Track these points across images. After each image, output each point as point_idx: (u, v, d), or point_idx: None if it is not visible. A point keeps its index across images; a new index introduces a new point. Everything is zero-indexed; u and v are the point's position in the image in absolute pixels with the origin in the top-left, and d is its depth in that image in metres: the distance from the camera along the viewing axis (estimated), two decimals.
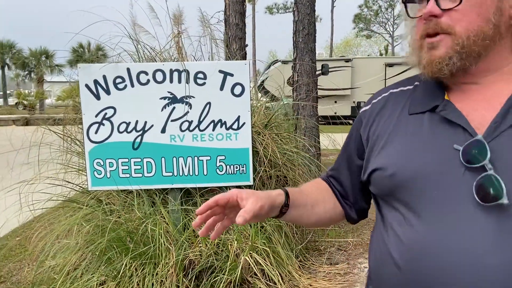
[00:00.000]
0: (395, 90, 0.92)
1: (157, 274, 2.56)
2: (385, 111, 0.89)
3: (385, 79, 15.62)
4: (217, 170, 2.85)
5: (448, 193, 0.73)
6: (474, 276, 0.68)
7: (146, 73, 2.74)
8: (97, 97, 2.78)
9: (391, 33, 35.51)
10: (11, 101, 27.14)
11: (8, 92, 28.54)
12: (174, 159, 2.85)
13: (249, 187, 2.83)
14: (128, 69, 2.74)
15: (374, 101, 0.94)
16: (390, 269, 0.79)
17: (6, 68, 30.32)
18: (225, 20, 4.21)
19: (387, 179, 0.81)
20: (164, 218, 2.80)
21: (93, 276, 2.62)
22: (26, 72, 28.44)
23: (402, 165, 0.79)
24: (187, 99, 2.78)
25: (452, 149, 0.74)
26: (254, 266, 2.64)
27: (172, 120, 2.80)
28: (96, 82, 2.75)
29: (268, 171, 3.07)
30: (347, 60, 16.60)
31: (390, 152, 0.83)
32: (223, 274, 2.59)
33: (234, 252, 2.66)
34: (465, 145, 0.73)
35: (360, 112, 0.98)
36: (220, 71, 2.77)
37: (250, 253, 2.66)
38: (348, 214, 1.00)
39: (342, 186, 1.00)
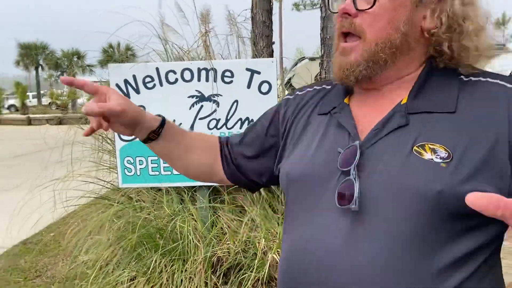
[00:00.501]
0: (317, 87, 0.94)
1: (186, 270, 2.59)
2: (305, 108, 0.91)
3: None
4: None
5: (323, 196, 0.75)
6: (327, 276, 0.71)
7: (175, 72, 2.77)
8: (127, 96, 2.83)
9: None
10: (45, 101, 28.07)
11: (42, 92, 29.53)
12: None
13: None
14: (157, 69, 2.78)
15: (299, 93, 0.96)
16: (279, 271, 0.85)
17: (40, 69, 31.39)
18: (252, 18, 4.20)
19: (284, 177, 0.85)
20: (193, 215, 2.83)
21: (124, 272, 2.68)
22: (59, 72, 29.36)
23: (295, 165, 0.83)
24: (214, 97, 2.80)
25: (337, 153, 0.76)
26: None
27: (200, 118, 2.82)
28: (126, 81, 2.81)
29: None
30: None
31: (295, 153, 0.85)
32: (251, 272, 2.60)
33: (262, 250, 2.66)
34: (344, 150, 0.75)
35: (283, 98, 1.00)
36: (247, 69, 2.77)
37: (277, 251, 2.65)
38: (225, 172, 1.00)
39: (235, 156, 1.00)
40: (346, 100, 0.83)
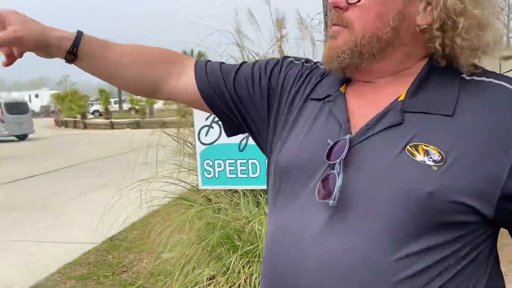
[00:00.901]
0: (307, 64, 0.88)
1: None
2: (304, 86, 0.84)
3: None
4: None
5: (306, 186, 0.72)
6: (299, 265, 0.70)
7: None
8: None
9: (505, 23, 32.00)
10: (125, 106, 30.04)
11: (122, 98, 31.64)
12: None
13: None
14: None
15: (305, 64, 0.88)
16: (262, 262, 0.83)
17: None
18: (324, 21, 4.17)
19: (273, 164, 0.82)
20: None
21: (204, 270, 2.79)
22: None
23: (284, 152, 0.79)
24: None
25: (326, 143, 0.72)
26: None
27: None
28: None
29: None
30: None
31: (289, 140, 0.80)
32: None
33: None
34: (333, 142, 0.71)
35: (288, 59, 0.90)
36: None
37: None
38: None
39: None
40: (342, 89, 0.79)
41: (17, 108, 16.99)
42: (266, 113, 0.86)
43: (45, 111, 38.93)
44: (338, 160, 0.68)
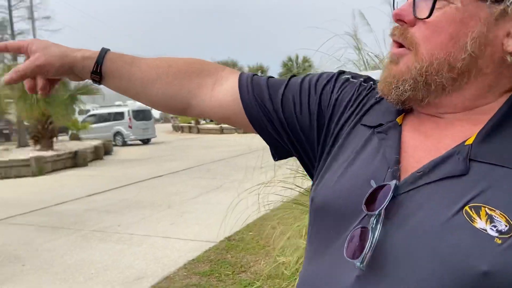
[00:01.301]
0: (365, 84, 0.73)
1: None
2: (359, 108, 0.70)
3: None
4: None
5: (339, 236, 0.60)
6: None
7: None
8: None
9: None
10: None
11: None
12: None
13: None
14: None
15: (364, 84, 0.74)
16: None
17: None
18: None
19: (311, 200, 0.69)
20: None
21: None
22: None
23: (321, 187, 0.67)
24: None
25: (369, 184, 0.59)
26: None
27: None
28: None
29: None
30: None
31: (329, 174, 0.67)
32: None
33: None
34: (376, 186, 0.58)
35: (343, 76, 0.76)
36: None
37: None
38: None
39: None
40: (399, 120, 0.65)
41: (143, 115, 18.91)
42: (316, 137, 0.73)
43: (164, 118, 42.68)
44: (376, 212, 0.55)
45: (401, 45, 0.61)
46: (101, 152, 13.11)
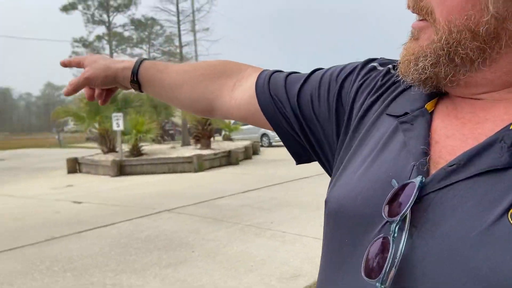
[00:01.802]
0: (393, 72, 0.63)
1: None
2: (384, 95, 0.61)
3: None
4: None
5: (356, 247, 0.49)
6: None
7: None
8: None
9: None
10: None
11: None
12: None
13: None
14: None
15: (393, 70, 0.63)
16: None
17: None
18: None
19: (325, 202, 0.59)
20: None
21: None
22: None
23: (337, 188, 0.57)
24: None
25: (389, 185, 0.48)
26: None
27: None
28: None
29: None
30: None
31: (347, 172, 0.58)
32: None
33: None
34: (400, 185, 0.46)
35: (370, 64, 0.67)
36: None
37: None
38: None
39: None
40: (428, 106, 0.55)
41: None
42: (335, 133, 0.65)
43: None
44: (397, 218, 0.45)
45: (422, 18, 0.52)
46: (250, 152, 14.04)
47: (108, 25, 38.42)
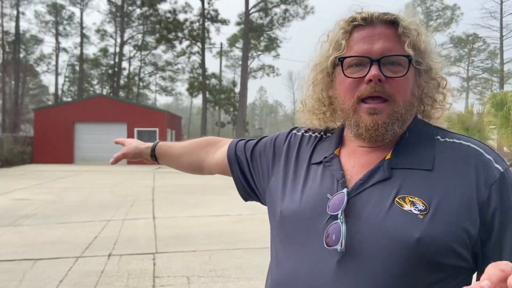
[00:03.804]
0: (307, 134, 1.05)
1: None
2: (303, 152, 1.00)
3: None
4: None
5: (311, 235, 0.84)
6: None
7: None
8: None
9: None
10: None
11: None
12: None
13: None
14: None
15: (305, 134, 1.05)
16: None
17: None
18: None
19: (277, 213, 0.94)
20: None
21: None
22: None
23: (287, 205, 0.92)
24: None
25: (326, 197, 0.86)
26: None
27: None
28: None
29: None
30: None
31: (285, 192, 0.95)
32: None
33: None
34: (333, 196, 0.85)
35: (292, 131, 1.09)
36: None
37: None
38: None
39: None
40: (336, 152, 0.93)
41: None
42: (267, 176, 1.05)
43: None
44: (340, 211, 0.81)
45: (375, 98, 0.85)
46: None
47: None
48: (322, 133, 1.03)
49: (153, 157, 1.29)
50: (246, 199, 1.16)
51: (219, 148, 1.21)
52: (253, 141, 1.16)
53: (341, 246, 0.78)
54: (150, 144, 1.30)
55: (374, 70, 0.84)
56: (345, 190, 0.84)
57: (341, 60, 0.88)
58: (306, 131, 1.06)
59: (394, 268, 0.76)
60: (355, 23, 0.89)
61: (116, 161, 1.32)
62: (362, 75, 0.86)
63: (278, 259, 0.92)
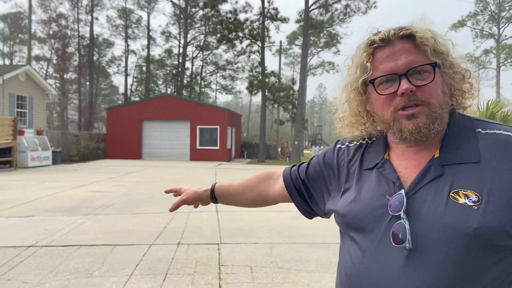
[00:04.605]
0: (351, 144, 1.10)
1: None
2: (353, 161, 1.06)
3: None
4: None
5: (378, 234, 0.90)
6: None
7: None
8: None
9: None
10: None
11: None
12: None
13: None
14: None
15: (349, 144, 1.11)
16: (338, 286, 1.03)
17: None
18: None
19: (340, 218, 1.01)
20: None
21: None
22: None
23: (350, 209, 0.97)
24: None
25: (385, 199, 0.91)
26: None
27: None
28: None
29: None
30: None
31: (345, 198, 1.01)
32: None
33: None
34: (392, 197, 0.90)
35: (336, 146, 1.14)
36: None
37: None
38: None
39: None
40: (386, 156, 0.99)
41: None
42: (326, 187, 1.12)
43: None
44: (402, 211, 0.87)
45: (413, 107, 0.92)
46: None
47: (498, 38, 39.50)
48: (366, 139, 1.09)
49: (213, 198, 1.35)
50: (310, 218, 1.24)
51: (277, 179, 1.28)
52: (304, 165, 1.23)
53: (409, 243, 0.85)
54: (208, 187, 1.36)
55: (404, 84, 0.91)
56: (402, 191, 0.90)
57: (371, 82, 0.96)
58: (350, 142, 1.12)
59: (456, 257, 0.82)
60: (375, 45, 0.96)
61: (176, 207, 1.36)
62: (393, 90, 0.93)
63: (351, 257, 0.98)
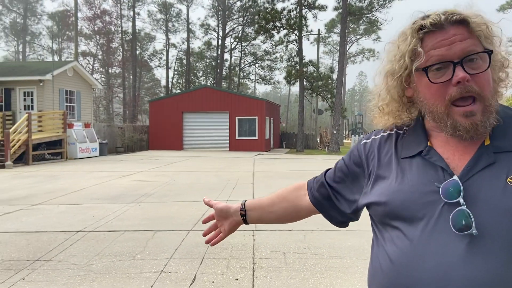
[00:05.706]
0: (377, 136, 1.08)
1: None
2: (382, 150, 1.04)
3: None
4: None
5: (430, 221, 0.88)
6: (448, 286, 0.84)
7: None
8: None
9: None
10: None
11: None
12: None
13: None
14: None
15: (374, 137, 1.09)
16: (379, 281, 0.97)
17: None
18: None
19: (381, 207, 0.97)
20: None
21: None
22: None
23: (393, 197, 0.94)
24: None
25: (434, 186, 0.90)
26: None
27: None
28: None
29: None
30: None
31: (384, 187, 0.98)
32: None
33: None
34: (444, 184, 0.88)
35: (361, 142, 1.12)
36: None
37: None
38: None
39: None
40: (429, 144, 0.96)
41: None
42: (361, 182, 1.08)
43: None
44: (460, 197, 0.85)
45: (467, 99, 0.89)
46: None
47: None
48: (394, 130, 1.04)
49: (243, 209, 1.31)
50: (342, 227, 1.21)
51: (306, 190, 1.24)
52: (331, 171, 1.19)
53: (475, 230, 0.82)
54: (239, 203, 1.33)
55: (460, 73, 0.86)
56: (455, 177, 0.87)
57: (425, 69, 0.90)
58: (375, 135, 1.09)
59: None
60: (425, 30, 0.90)
61: (208, 219, 1.41)
62: (446, 78, 0.88)
63: (397, 246, 0.92)
